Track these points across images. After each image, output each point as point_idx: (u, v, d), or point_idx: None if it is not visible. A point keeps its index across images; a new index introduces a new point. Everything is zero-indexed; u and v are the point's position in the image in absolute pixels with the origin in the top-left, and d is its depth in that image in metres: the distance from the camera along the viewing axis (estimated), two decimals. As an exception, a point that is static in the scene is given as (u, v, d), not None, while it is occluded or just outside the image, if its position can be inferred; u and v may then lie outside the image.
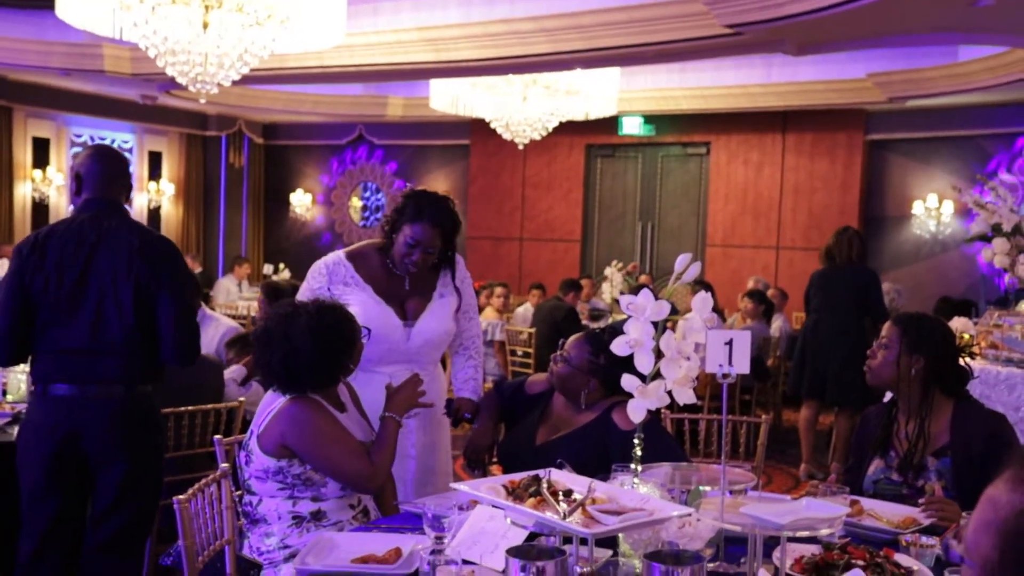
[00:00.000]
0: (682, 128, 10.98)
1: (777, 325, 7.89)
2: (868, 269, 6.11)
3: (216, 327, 4.70)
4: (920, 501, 2.50)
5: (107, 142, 12.27)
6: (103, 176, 3.06)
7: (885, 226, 10.26)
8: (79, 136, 11.92)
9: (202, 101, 6.55)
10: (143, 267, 2.96)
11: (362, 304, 2.93)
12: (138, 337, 2.97)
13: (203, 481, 2.35)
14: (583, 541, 1.88)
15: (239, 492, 2.63)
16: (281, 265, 11.99)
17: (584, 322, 8.03)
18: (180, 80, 6.23)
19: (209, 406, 3.62)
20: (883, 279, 8.82)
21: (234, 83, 6.81)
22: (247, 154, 13.54)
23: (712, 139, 10.99)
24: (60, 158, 11.43)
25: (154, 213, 12.82)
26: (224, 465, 2.50)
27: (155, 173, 12.85)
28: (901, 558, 2.17)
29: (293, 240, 13.52)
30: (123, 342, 2.94)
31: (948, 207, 9.87)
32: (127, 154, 12.55)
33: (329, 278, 3.03)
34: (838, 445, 6.16)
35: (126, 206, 3.17)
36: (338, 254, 3.10)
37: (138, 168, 12.67)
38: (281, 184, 13.76)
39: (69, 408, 2.93)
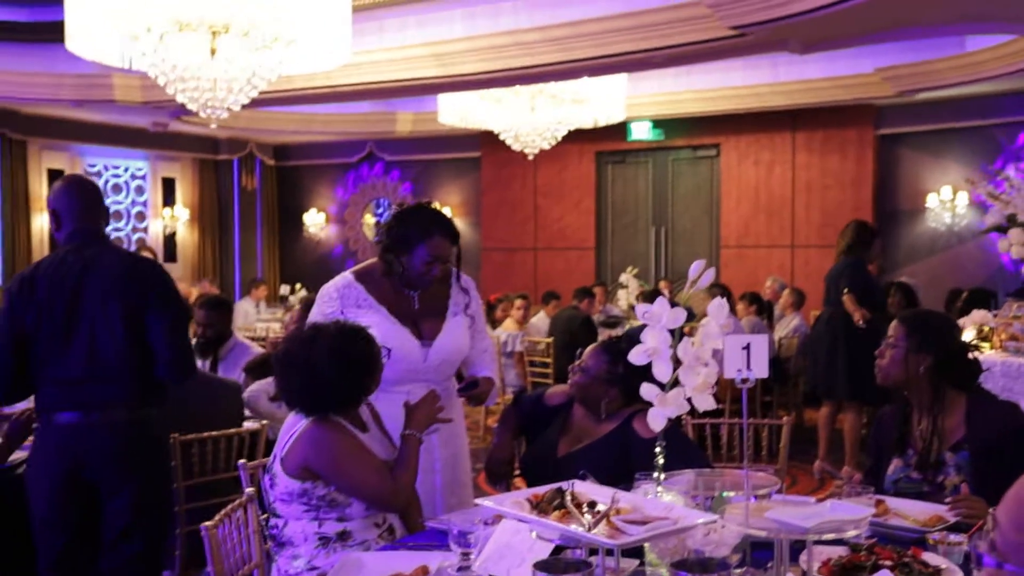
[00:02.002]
0: (691, 131, 10.97)
1: (794, 325, 7.86)
2: (850, 259, 6.11)
3: (249, 357, 4.71)
4: (947, 500, 2.48)
5: (121, 170, 12.41)
6: (80, 207, 3.11)
7: (899, 220, 10.20)
8: (93, 166, 12.05)
9: (213, 126, 6.62)
10: (130, 290, 3.00)
11: (378, 326, 2.92)
12: (134, 360, 3.00)
13: (230, 507, 2.37)
14: (609, 552, 1.88)
15: (265, 516, 2.64)
16: (298, 285, 12.04)
17: (600, 330, 8.02)
18: (191, 106, 6.28)
19: (232, 431, 3.64)
20: (900, 273, 8.81)
21: (244, 106, 6.86)
22: (259, 176, 13.63)
23: (722, 141, 10.97)
24: (77, 189, 11.55)
25: (170, 239, 12.92)
26: (249, 490, 2.52)
27: (169, 199, 12.96)
28: (929, 557, 2.15)
29: (308, 260, 13.58)
30: (120, 366, 2.98)
31: (963, 199, 9.80)
32: (141, 181, 12.67)
33: (341, 301, 3.01)
34: (847, 446, 6.16)
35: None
36: (347, 276, 3.08)
37: (152, 195, 12.79)
38: (294, 204, 13.83)
39: (74, 436, 2.97)
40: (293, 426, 2.60)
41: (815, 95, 9.41)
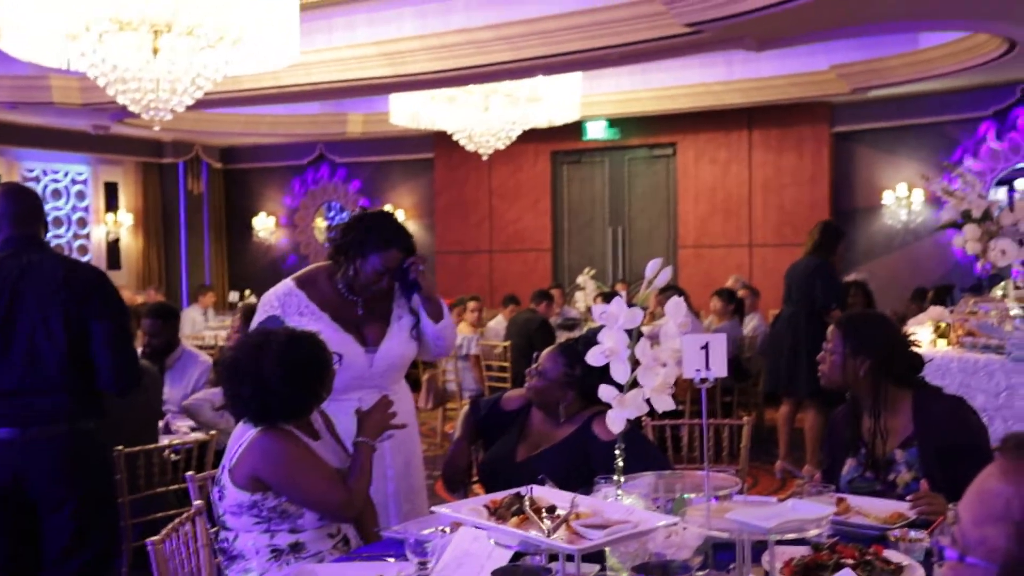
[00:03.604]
0: (647, 130, 10.99)
1: (753, 324, 7.90)
2: (818, 259, 6.15)
3: (197, 366, 4.59)
4: (908, 497, 2.48)
5: (60, 175, 12.10)
6: (17, 213, 3.01)
7: (856, 218, 10.32)
8: (31, 171, 11.73)
9: (156, 128, 6.46)
10: (71, 298, 2.90)
11: (320, 333, 2.86)
12: (75, 371, 2.90)
13: (177, 520, 2.28)
14: (569, 558, 1.84)
15: (215, 529, 2.55)
16: (247, 291, 11.85)
17: (557, 332, 7.99)
18: (132, 108, 6.13)
19: (178, 441, 3.53)
20: (857, 271, 8.90)
21: (188, 108, 6.71)
22: (206, 180, 13.37)
23: (678, 139, 11.01)
24: (15, 194, 11.21)
25: (113, 245, 12.63)
26: (198, 502, 2.43)
27: (112, 204, 12.66)
28: (891, 554, 2.14)
29: (259, 265, 13.37)
30: (60, 378, 2.88)
31: (918, 196, 9.94)
32: (82, 186, 12.36)
33: (283, 310, 2.95)
34: (808, 445, 6.20)
35: (48, 238, 3.10)
36: (287, 284, 3.02)
37: (94, 200, 12.48)
38: (243, 209, 13.61)
39: (10, 452, 2.85)
40: (242, 436, 2.52)
41: (770, 92, 9.48)
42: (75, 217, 12.32)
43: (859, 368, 2.72)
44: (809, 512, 1.93)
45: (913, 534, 2.21)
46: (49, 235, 10.86)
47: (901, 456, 2.69)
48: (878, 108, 9.94)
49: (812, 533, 1.90)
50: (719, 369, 2.08)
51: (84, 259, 12.24)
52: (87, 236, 12.42)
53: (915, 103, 9.68)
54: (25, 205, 3.04)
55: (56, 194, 12.08)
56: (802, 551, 2.16)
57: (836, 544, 2.15)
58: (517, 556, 2.06)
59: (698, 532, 1.96)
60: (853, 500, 2.54)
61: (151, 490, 3.39)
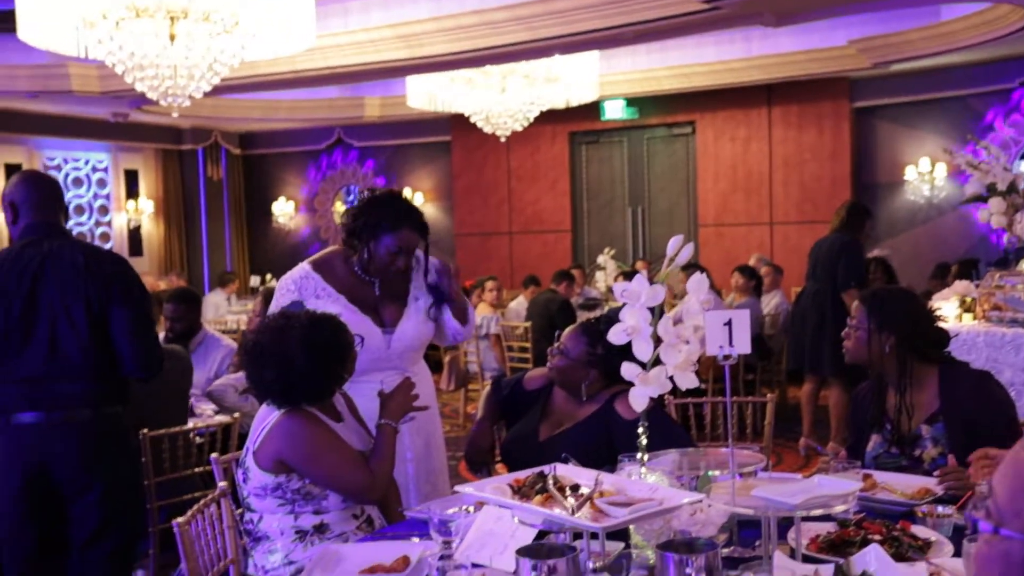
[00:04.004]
0: (666, 109, 10.90)
1: (775, 302, 7.84)
2: (846, 237, 6.07)
3: (219, 350, 4.62)
4: (935, 473, 2.46)
5: (81, 163, 12.16)
6: (38, 200, 3.00)
7: (878, 193, 10.20)
8: (52, 159, 11.80)
9: (174, 115, 6.48)
10: (92, 284, 2.90)
11: (338, 316, 2.87)
12: (97, 356, 2.91)
13: (202, 502, 2.29)
14: (593, 535, 1.83)
15: (240, 510, 2.57)
16: (268, 276, 11.90)
17: (578, 313, 7.97)
18: (150, 95, 6.14)
19: (202, 424, 3.55)
20: (880, 247, 8.81)
21: (206, 94, 6.71)
22: (225, 166, 13.41)
23: (697, 118, 10.91)
24: (36, 183, 11.28)
25: (134, 232, 12.70)
26: (222, 484, 2.44)
27: (133, 191, 12.72)
28: (918, 530, 2.13)
29: (279, 250, 13.42)
30: (83, 363, 2.88)
31: (941, 170, 9.81)
32: (102, 174, 12.43)
33: (300, 293, 2.95)
34: (832, 422, 6.16)
35: (70, 226, 3.11)
36: (304, 267, 3.02)
37: (115, 188, 12.55)
38: (262, 194, 13.65)
39: (35, 437, 2.87)
40: (265, 418, 2.53)
41: (790, 68, 9.36)
42: (96, 205, 12.39)
43: (884, 344, 2.70)
44: (835, 488, 1.91)
45: (941, 510, 2.19)
46: (71, 223, 10.93)
47: (927, 431, 2.67)
48: (899, 82, 9.80)
49: (839, 509, 1.89)
50: (742, 346, 2.06)
51: (106, 246, 12.34)
52: (109, 224, 12.50)
53: (937, 76, 9.54)
54: (44, 192, 3.04)
55: (77, 182, 12.15)
56: (828, 527, 2.15)
57: (863, 520, 2.13)
58: (541, 534, 2.07)
59: (723, 509, 1.95)
60: (879, 476, 2.52)
61: (177, 472, 3.41)
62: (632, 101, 10.86)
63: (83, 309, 2.88)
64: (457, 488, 2.02)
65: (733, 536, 2.12)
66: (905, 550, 1.99)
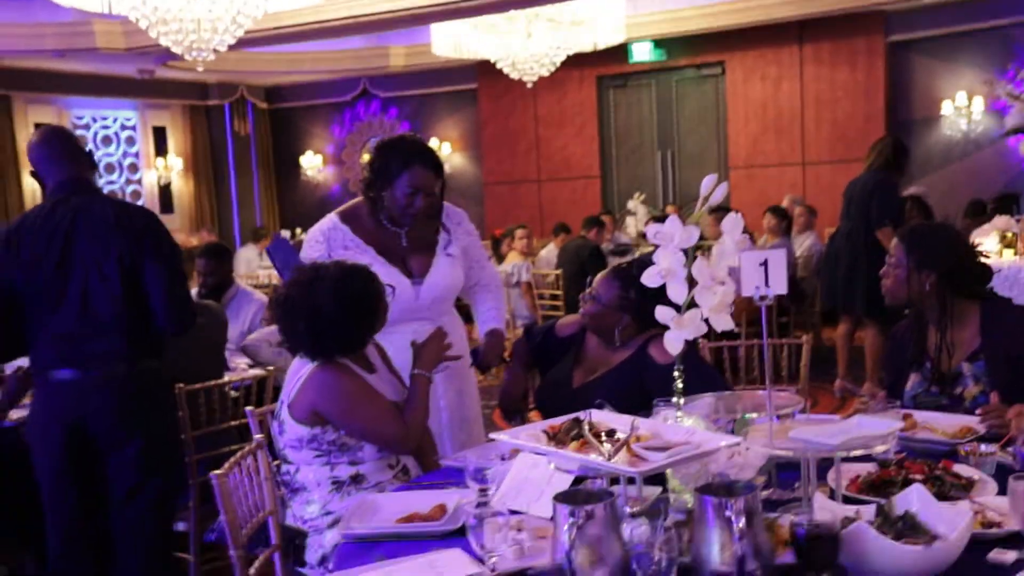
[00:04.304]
0: (694, 49, 10.68)
1: (808, 243, 7.73)
2: (882, 174, 5.93)
3: (251, 304, 4.64)
4: (977, 411, 2.42)
5: (109, 121, 12.20)
6: (60, 156, 2.98)
7: (914, 130, 9.94)
8: (80, 118, 11.85)
9: (200, 69, 6.46)
10: (123, 240, 2.89)
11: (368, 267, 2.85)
12: (131, 312, 2.92)
13: (239, 454, 2.31)
14: (631, 480, 1.82)
15: (276, 462, 2.59)
16: (298, 230, 11.93)
17: (609, 259, 7.92)
18: (175, 49, 6.13)
19: (236, 378, 3.58)
20: (916, 184, 8.62)
21: (231, 48, 6.67)
22: (252, 120, 13.40)
23: (726, 58, 10.69)
24: (66, 143, 11.34)
25: (165, 189, 12.78)
26: (258, 436, 2.45)
27: (161, 149, 12.77)
28: (960, 469, 2.09)
29: (308, 203, 13.44)
30: (116, 319, 2.89)
31: (978, 104, 9.53)
32: (131, 132, 12.47)
33: (328, 244, 2.92)
34: (868, 363, 6.09)
35: (99, 181, 3.09)
36: (332, 218, 2.99)
37: (143, 145, 12.60)
38: (289, 148, 13.63)
39: (73, 393, 2.89)
40: (299, 371, 2.53)
41: (822, 3, 9.13)
42: (126, 163, 12.47)
43: (924, 282, 2.64)
44: (875, 428, 1.88)
45: (984, 448, 2.16)
46: (102, 181, 11.01)
47: (968, 369, 2.62)
48: (935, 14, 9.51)
49: (879, 450, 1.86)
50: (779, 286, 2.02)
51: (138, 203, 12.44)
52: (139, 181, 12.58)
53: (974, 7, 9.23)
54: (66, 148, 3.01)
55: (107, 140, 12.22)
56: (868, 468, 2.12)
57: (904, 460, 2.10)
58: (577, 480, 2.06)
59: (761, 452, 1.93)
60: (919, 416, 2.48)
61: (213, 426, 3.44)
62: (660, 42, 10.65)
63: (115, 264, 2.89)
64: (492, 436, 2.01)
65: (771, 478, 2.10)
66: (948, 489, 1.96)
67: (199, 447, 3.41)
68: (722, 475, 1.86)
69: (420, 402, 2.59)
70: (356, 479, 2.50)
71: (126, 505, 2.99)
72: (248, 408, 2.76)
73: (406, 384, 2.67)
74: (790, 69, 10.41)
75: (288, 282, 2.60)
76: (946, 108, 9.75)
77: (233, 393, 3.63)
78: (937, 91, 9.86)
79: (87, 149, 3.12)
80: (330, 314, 2.45)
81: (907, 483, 1.95)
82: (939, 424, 2.43)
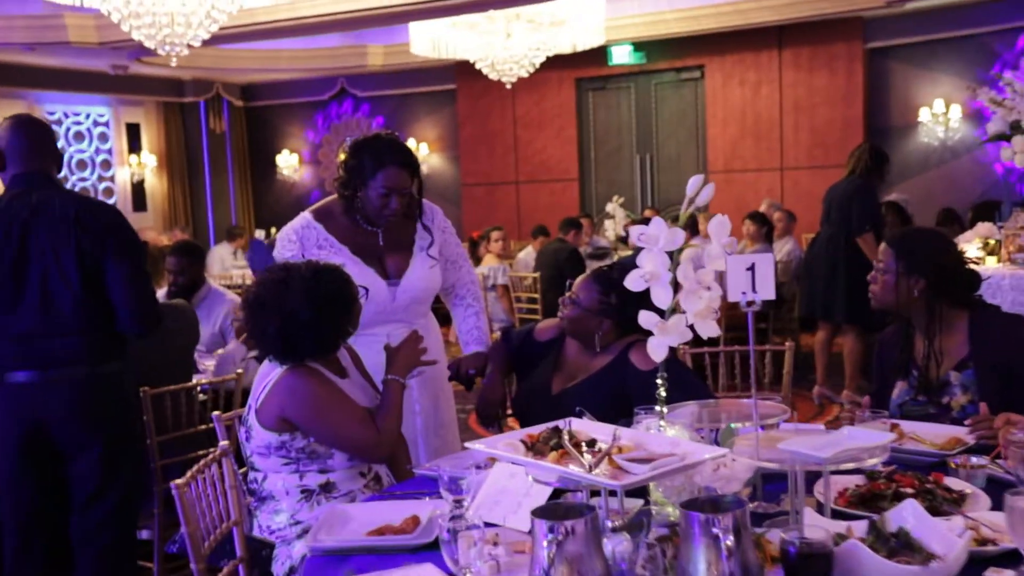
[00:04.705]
0: (674, 53, 10.66)
1: (787, 249, 7.71)
2: (861, 180, 5.91)
3: (223, 304, 4.52)
4: (966, 422, 2.36)
5: (82, 117, 11.99)
6: (27, 147, 2.87)
7: (892, 136, 9.96)
8: (52, 113, 11.62)
9: (173, 64, 6.32)
10: (85, 236, 2.79)
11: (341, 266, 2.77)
12: (92, 312, 2.81)
13: (203, 462, 2.21)
14: (612, 493, 1.74)
15: (243, 470, 2.49)
16: (273, 229, 11.77)
17: (588, 262, 7.86)
18: (148, 44, 6.01)
19: (204, 381, 3.47)
20: (893, 191, 8.63)
21: (206, 44, 6.54)
22: (227, 118, 13.21)
23: (706, 62, 10.67)
24: (38, 138, 11.10)
25: (138, 187, 12.57)
26: (224, 443, 2.35)
27: (135, 145, 12.56)
28: (951, 482, 2.04)
29: (284, 203, 13.27)
30: (76, 319, 2.79)
31: (956, 111, 9.56)
32: (104, 128, 12.26)
33: (301, 244, 2.84)
34: (847, 369, 6.06)
35: (59, 176, 2.98)
36: (305, 216, 2.90)
37: (116, 141, 12.39)
38: (265, 146, 13.46)
39: (31, 395, 2.79)
40: (267, 375, 2.44)
41: (801, 8, 9.12)
42: (99, 160, 12.25)
43: (913, 288, 2.58)
44: (867, 440, 1.81)
45: (974, 460, 2.10)
46: (74, 178, 10.80)
47: (956, 378, 2.57)
48: (914, 21, 9.53)
49: (871, 463, 1.79)
50: (766, 291, 1.95)
51: (110, 201, 12.23)
52: (112, 178, 12.38)
53: (953, 14, 9.27)
54: (35, 139, 2.91)
55: (79, 136, 12.00)
56: (856, 480, 2.06)
57: (894, 473, 2.04)
58: (557, 493, 1.98)
59: (748, 464, 1.85)
60: (906, 426, 2.42)
61: (180, 431, 3.33)
62: (639, 45, 10.62)
63: (75, 262, 2.78)
64: (468, 444, 1.92)
65: (757, 490, 2.03)
66: (939, 504, 1.89)
67: (166, 452, 3.30)
68: (708, 489, 1.79)
69: (393, 408, 2.50)
70: (326, 488, 2.41)
71: (86, 511, 2.89)
72: (215, 413, 2.66)
73: (379, 389, 2.58)
74: (769, 74, 10.41)
75: (258, 282, 2.51)
76: (924, 115, 9.78)
77: (202, 396, 3.53)
78: (915, 98, 9.89)
79: (57, 144, 3.01)
80: (302, 315, 2.36)
81: (898, 497, 1.89)
82: (927, 435, 2.37)
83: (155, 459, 3.26)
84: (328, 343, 2.45)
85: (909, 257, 2.59)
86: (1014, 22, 9.09)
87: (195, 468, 2.13)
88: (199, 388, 3.50)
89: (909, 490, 1.93)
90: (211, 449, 2.67)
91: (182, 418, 3.34)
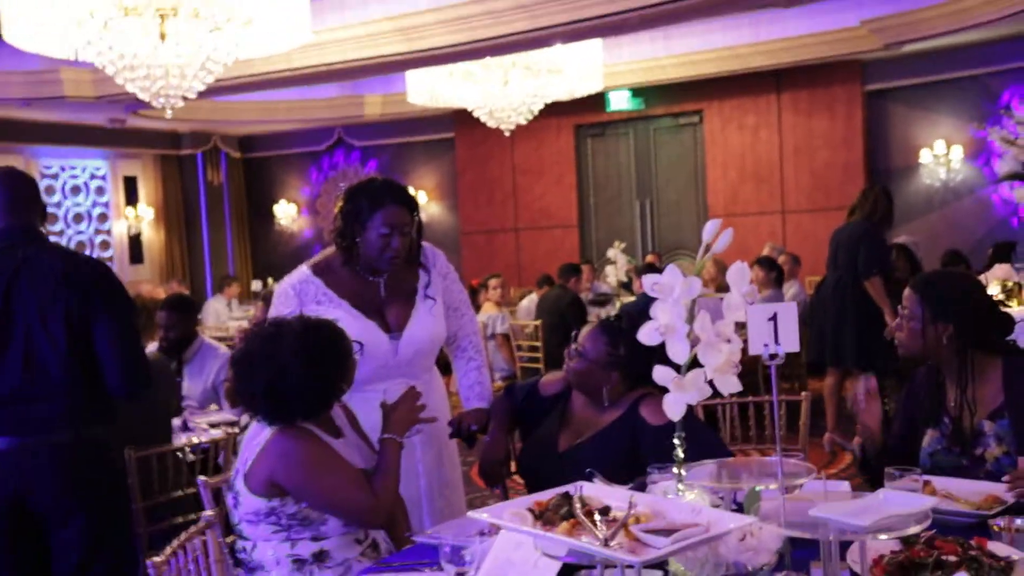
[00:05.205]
0: (672, 98, 10.65)
1: (792, 292, 7.58)
2: (868, 223, 5.83)
3: (217, 359, 4.40)
4: (1004, 479, 2.20)
5: (79, 171, 11.95)
6: (11, 201, 2.76)
7: (892, 179, 9.89)
8: (48, 168, 11.59)
9: (168, 115, 6.24)
10: (72, 294, 2.66)
11: (340, 322, 2.60)
12: (78, 373, 2.67)
13: (184, 535, 2.05)
14: (629, 566, 1.59)
15: (230, 539, 2.33)
16: (270, 280, 11.66)
17: (590, 308, 7.73)
18: (142, 96, 5.93)
19: (197, 441, 3.31)
20: (898, 233, 8.53)
21: (203, 95, 6.49)
22: (225, 170, 13.20)
23: (704, 106, 10.66)
24: (33, 193, 11.02)
25: (135, 240, 12.53)
26: (207, 513, 2.20)
27: (132, 198, 12.53)
28: (995, 547, 1.87)
29: (281, 253, 13.20)
30: (62, 381, 2.65)
31: (957, 152, 9.53)
32: (101, 181, 12.22)
33: (299, 299, 2.71)
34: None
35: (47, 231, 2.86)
36: (303, 271, 2.78)
37: (113, 195, 12.36)
38: (263, 197, 13.43)
39: (11, 463, 2.63)
40: (256, 436, 2.29)
41: (799, 53, 9.12)
42: (95, 213, 12.20)
43: (941, 335, 2.43)
44: (906, 505, 1.66)
45: (1019, 522, 1.94)
46: (70, 231, 10.67)
47: (990, 428, 2.42)
48: (913, 63, 9.54)
49: (913, 531, 1.64)
50: (790, 343, 1.82)
51: (106, 254, 12.15)
52: (108, 232, 12.30)
53: (952, 56, 9.27)
54: (20, 192, 2.80)
55: (75, 190, 11.96)
56: (891, 545, 1.90)
57: (933, 539, 1.87)
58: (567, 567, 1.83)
59: (776, 533, 1.70)
60: (939, 483, 2.26)
61: (167, 494, 3.16)
62: (637, 91, 10.62)
63: (62, 321, 2.65)
64: (472, 514, 1.77)
65: (784, 558, 1.87)
66: (986, 573, 1.73)
67: (153, 518, 3.13)
68: (737, 566, 1.64)
69: (390, 470, 2.35)
70: (319, 557, 2.25)
71: None
72: (201, 478, 2.50)
73: (376, 449, 2.43)
74: (768, 118, 10.39)
75: (247, 337, 2.37)
76: (924, 156, 9.74)
77: (191, 456, 3.37)
78: (915, 139, 9.86)
79: (42, 198, 2.89)
80: (291, 374, 2.22)
81: (940, 566, 1.73)
82: (961, 492, 2.21)
83: (141, 524, 3.09)
84: (320, 402, 2.31)
85: (935, 302, 2.45)
86: (1013, 63, 9.09)
87: (176, 543, 1.97)
88: (190, 448, 3.34)
89: (952, 558, 1.77)
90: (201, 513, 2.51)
91: (168, 481, 3.17)
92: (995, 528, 1.96)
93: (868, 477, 2.51)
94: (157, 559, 1.85)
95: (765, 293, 7.10)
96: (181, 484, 3.25)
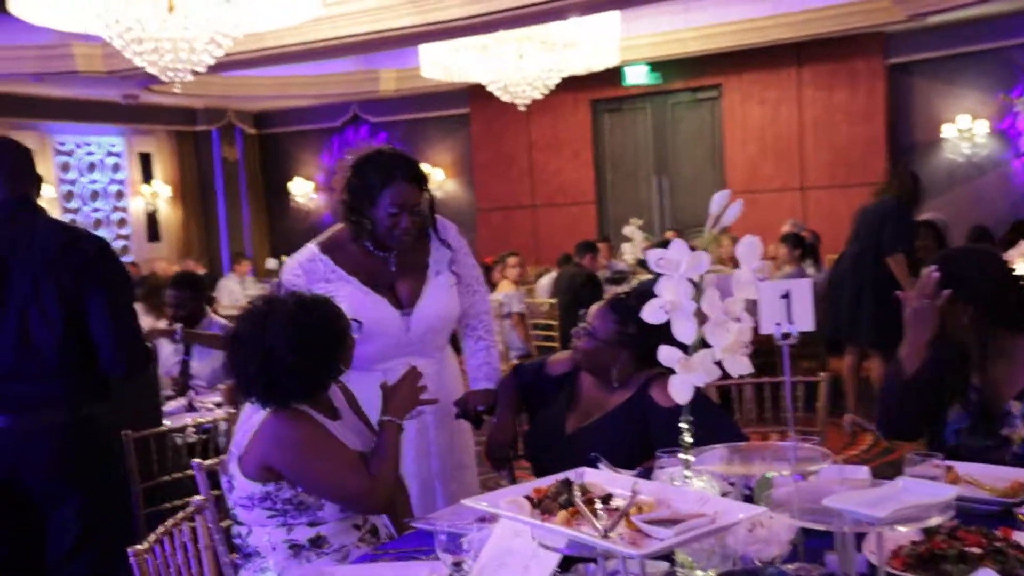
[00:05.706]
0: (690, 72, 10.46)
1: (811, 270, 7.44)
2: (894, 200, 5.72)
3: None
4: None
5: (94, 148, 11.92)
6: (5, 171, 2.67)
7: (915, 154, 9.71)
8: (63, 144, 11.57)
9: (177, 90, 6.19)
10: (67, 270, 2.59)
11: (350, 299, 2.56)
12: (74, 352, 2.61)
13: (171, 522, 1.97)
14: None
15: (226, 523, 2.27)
16: (283, 258, 11.64)
17: (605, 287, 7.61)
18: (150, 70, 5.89)
19: (199, 421, 3.25)
20: (923, 210, 8.35)
21: (214, 70, 6.43)
22: (241, 146, 13.14)
23: (723, 81, 10.47)
24: (47, 169, 10.99)
25: (151, 217, 12.51)
26: (198, 499, 2.12)
27: (148, 175, 12.50)
28: (1021, 537, 1.77)
29: (298, 230, 13.13)
30: (57, 360, 2.59)
31: (981, 127, 9.30)
32: (116, 158, 12.19)
33: (307, 277, 2.64)
34: (879, 395, 5.78)
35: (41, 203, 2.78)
36: (311, 248, 2.71)
37: (130, 172, 12.34)
38: (279, 174, 13.37)
39: (5, 442, 2.57)
40: (250, 419, 2.23)
41: (821, 25, 8.92)
42: (112, 190, 12.18)
43: (963, 314, 2.33)
44: (928, 495, 1.56)
45: (1047, 512, 1.84)
46: (87, 208, 10.65)
47: (1017, 408, 2.33)
48: (936, 36, 9.31)
49: (935, 522, 1.54)
50: (805, 322, 1.72)
51: (123, 232, 12.15)
52: (125, 209, 12.30)
53: (976, 28, 9.03)
54: (14, 162, 2.72)
55: (91, 167, 11.94)
56: (911, 536, 1.80)
57: (956, 529, 1.77)
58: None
59: (789, 523, 1.61)
60: (961, 468, 2.16)
61: (166, 475, 3.10)
62: (655, 65, 10.43)
63: (56, 297, 2.59)
64: (465, 502, 1.69)
65: (797, 548, 1.78)
66: (1012, 566, 1.64)
67: (153, 500, 3.08)
68: (745, 558, 1.55)
69: (389, 453, 2.27)
70: (316, 542, 2.19)
71: (66, 565, 2.68)
72: (195, 460, 2.43)
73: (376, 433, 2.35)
74: (788, 92, 10.19)
75: (239, 316, 2.29)
76: (947, 131, 9.53)
77: (193, 436, 3.31)
78: (938, 114, 9.64)
79: (35, 169, 2.81)
80: (284, 354, 2.14)
81: (963, 558, 1.64)
82: (986, 479, 2.11)
83: (140, 507, 3.03)
84: (314, 383, 2.23)
85: (956, 281, 2.34)
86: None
87: (162, 529, 1.90)
88: (194, 428, 3.28)
89: (976, 550, 1.67)
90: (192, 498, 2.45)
91: (167, 462, 3.11)
92: (1021, 517, 1.86)
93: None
94: (139, 548, 1.78)
95: (787, 270, 6.96)
96: (182, 465, 3.19)
